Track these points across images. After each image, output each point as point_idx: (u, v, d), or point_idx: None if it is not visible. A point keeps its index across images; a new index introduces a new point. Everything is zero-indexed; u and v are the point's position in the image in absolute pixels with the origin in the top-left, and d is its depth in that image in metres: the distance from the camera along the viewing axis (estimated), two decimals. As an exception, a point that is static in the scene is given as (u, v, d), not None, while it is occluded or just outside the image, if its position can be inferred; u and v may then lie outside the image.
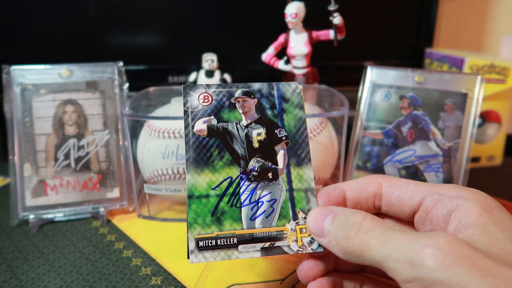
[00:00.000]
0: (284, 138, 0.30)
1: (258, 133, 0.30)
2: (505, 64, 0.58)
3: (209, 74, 0.56)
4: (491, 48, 0.80)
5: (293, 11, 0.48)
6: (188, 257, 0.27)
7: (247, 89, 0.31)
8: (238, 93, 0.31)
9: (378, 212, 0.28)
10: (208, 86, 0.31)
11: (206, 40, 0.64)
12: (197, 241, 0.27)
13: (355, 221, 0.24)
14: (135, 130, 0.47)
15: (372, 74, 0.48)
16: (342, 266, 0.29)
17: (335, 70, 0.67)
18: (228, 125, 0.30)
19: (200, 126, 0.30)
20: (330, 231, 0.25)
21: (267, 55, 0.52)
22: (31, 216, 0.45)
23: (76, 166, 0.46)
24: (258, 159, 0.29)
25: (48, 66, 0.46)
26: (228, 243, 0.27)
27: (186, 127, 0.29)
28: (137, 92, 0.51)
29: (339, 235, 0.24)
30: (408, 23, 0.68)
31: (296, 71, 0.52)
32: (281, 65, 0.52)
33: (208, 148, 0.29)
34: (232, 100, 0.31)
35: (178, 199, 0.49)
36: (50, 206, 0.45)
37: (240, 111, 0.30)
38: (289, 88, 0.32)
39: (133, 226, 0.45)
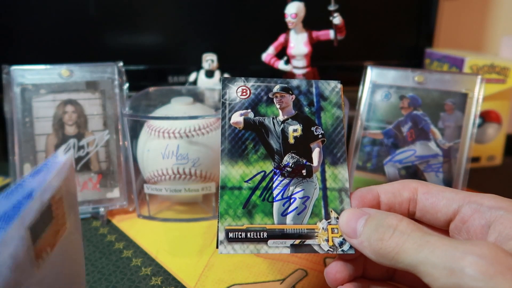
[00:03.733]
0: (320, 136, 0.30)
1: (294, 129, 0.30)
2: (505, 64, 0.58)
3: (209, 74, 0.56)
4: (491, 48, 0.80)
5: (293, 11, 0.48)
6: (217, 247, 0.27)
7: (286, 85, 0.31)
8: (276, 88, 0.31)
9: (412, 219, 0.27)
10: (247, 79, 0.31)
11: (206, 40, 0.64)
12: (227, 232, 0.27)
13: (391, 223, 0.23)
14: (135, 130, 0.47)
15: (372, 74, 0.48)
16: (370, 272, 0.29)
17: (335, 70, 0.67)
18: (264, 119, 0.30)
19: (237, 118, 0.30)
20: (363, 232, 0.24)
21: (267, 55, 0.52)
22: (31, 216, 0.44)
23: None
24: (293, 155, 0.29)
25: (48, 66, 0.46)
26: (258, 236, 0.27)
27: (223, 118, 0.30)
28: (137, 92, 0.51)
29: (373, 236, 0.23)
30: (408, 23, 0.68)
31: (296, 71, 0.52)
32: (281, 65, 0.52)
33: (243, 141, 0.29)
34: (270, 95, 0.31)
35: (178, 199, 0.49)
36: (50, 206, 0.45)
37: (278, 106, 0.30)
38: (328, 87, 0.32)
39: (133, 226, 0.45)
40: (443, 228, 0.26)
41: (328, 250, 0.27)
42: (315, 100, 0.31)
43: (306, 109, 0.31)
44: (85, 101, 0.47)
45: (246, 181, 0.28)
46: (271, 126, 0.30)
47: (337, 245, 0.27)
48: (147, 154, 0.45)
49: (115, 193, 0.47)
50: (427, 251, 0.21)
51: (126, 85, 0.48)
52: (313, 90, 0.31)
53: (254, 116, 0.30)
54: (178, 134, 0.44)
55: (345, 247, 0.27)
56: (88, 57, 0.49)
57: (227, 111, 0.30)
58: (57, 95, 0.46)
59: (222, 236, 0.27)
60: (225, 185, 0.28)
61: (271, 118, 0.30)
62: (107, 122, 0.47)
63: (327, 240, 0.27)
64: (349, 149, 0.48)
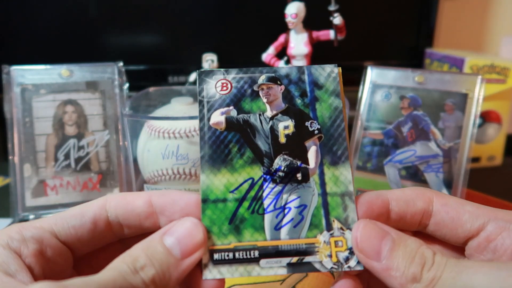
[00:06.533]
0: (316, 131, 0.26)
1: (286, 126, 0.26)
2: (505, 64, 0.58)
3: (209, 74, 0.56)
4: (491, 48, 0.80)
5: (293, 11, 0.48)
6: (201, 272, 0.23)
7: (273, 74, 0.26)
8: (262, 79, 0.26)
9: (420, 232, 0.25)
10: (227, 71, 0.26)
11: (206, 40, 0.64)
12: (212, 253, 0.23)
13: (427, 254, 0.21)
14: (135, 130, 0.47)
15: (372, 74, 0.48)
16: (374, 287, 0.27)
17: (335, 70, 0.67)
18: (250, 117, 0.26)
19: (217, 118, 0.25)
20: (391, 258, 0.21)
21: (267, 55, 0.52)
22: (31, 216, 0.44)
23: (76, 166, 0.46)
24: (285, 157, 0.25)
25: (48, 66, 0.46)
26: (248, 256, 0.23)
27: (201, 119, 0.25)
28: (137, 92, 0.51)
29: (410, 268, 0.20)
30: (408, 23, 0.68)
31: (296, 71, 0.52)
32: (281, 65, 0.52)
33: (226, 144, 0.25)
34: (255, 88, 0.26)
35: (178, 199, 0.49)
36: (50, 206, 0.45)
37: (264, 100, 0.26)
38: (323, 72, 0.27)
39: (133, 226, 0.45)
40: (457, 245, 0.24)
41: (332, 267, 0.23)
42: (308, 89, 0.26)
43: (299, 101, 0.26)
44: (85, 101, 0.47)
45: (232, 191, 0.24)
46: (257, 124, 0.26)
47: (342, 261, 0.23)
48: (147, 154, 0.45)
49: (115, 193, 0.47)
50: (466, 277, 0.19)
51: (126, 85, 0.48)
52: (305, 77, 0.27)
53: (238, 114, 0.26)
54: (178, 134, 0.44)
55: (352, 262, 0.23)
56: (88, 57, 0.49)
57: (205, 110, 0.25)
58: (57, 95, 0.46)
59: (206, 258, 0.23)
60: (207, 198, 0.24)
61: (258, 115, 0.26)
62: (107, 122, 0.47)
63: (330, 256, 0.23)
64: (349, 150, 0.47)
